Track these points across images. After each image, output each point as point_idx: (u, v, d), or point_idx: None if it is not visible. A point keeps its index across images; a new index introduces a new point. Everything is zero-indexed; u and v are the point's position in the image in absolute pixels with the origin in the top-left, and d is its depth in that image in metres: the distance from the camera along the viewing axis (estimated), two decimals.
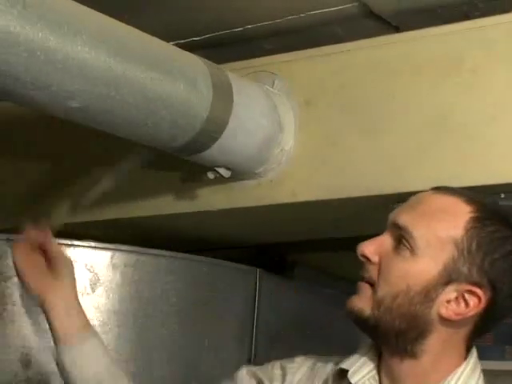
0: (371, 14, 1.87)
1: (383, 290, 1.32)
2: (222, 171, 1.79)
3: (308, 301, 2.39)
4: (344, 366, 1.39)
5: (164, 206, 1.97)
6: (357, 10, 1.85)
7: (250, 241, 2.24)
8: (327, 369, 1.44)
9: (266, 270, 2.30)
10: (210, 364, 2.14)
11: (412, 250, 1.30)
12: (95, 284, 1.97)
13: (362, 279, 1.35)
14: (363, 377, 1.37)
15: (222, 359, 2.17)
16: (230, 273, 2.18)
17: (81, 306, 1.60)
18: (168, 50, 1.64)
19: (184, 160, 1.79)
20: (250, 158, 1.80)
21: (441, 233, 1.30)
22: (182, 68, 1.63)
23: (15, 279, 1.92)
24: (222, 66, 1.77)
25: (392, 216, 1.36)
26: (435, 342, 1.32)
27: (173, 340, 2.07)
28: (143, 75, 1.52)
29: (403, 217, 1.34)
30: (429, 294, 1.30)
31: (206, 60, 1.71)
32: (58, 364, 1.57)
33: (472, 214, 1.30)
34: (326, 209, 1.85)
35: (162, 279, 2.06)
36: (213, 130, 1.67)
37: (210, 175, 1.82)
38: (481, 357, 2.14)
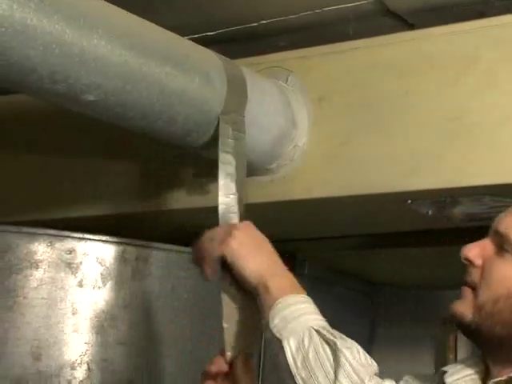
0: (387, 12, 1.87)
1: (484, 295, 1.28)
2: None
3: (318, 298, 2.38)
4: (445, 368, 1.36)
5: (176, 200, 1.97)
6: (373, 7, 1.86)
7: None
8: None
9: None
10: None
11: None
12: (106, 278, 1.98)
13: (465, 283, 1.32)
14: (459, 378, 1.33)
15: None
16: None
17: None
18: (183, 45, 1.64)
19: (198, 155, 1.79)
20: (263, 154, 1.80)
21: None
22: (197, 63, 1.63)
23: (27, 271, 1.94)
24: (236, 62, 1.77)
25: (495, 222, 1.33)
26: None
27: (183, 336, 2.08)
28: (158, 70, 1.52)
29: (504, 222, 1.31)
30: None
31: (221, 55, 1.71)
32: None
33: None
34: (338, 206, 1.85)
35: (173, 274, 2.06)
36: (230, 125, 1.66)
37: None
38: None
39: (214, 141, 1.68)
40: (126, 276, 2.01)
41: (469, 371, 1.34)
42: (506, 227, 1.29)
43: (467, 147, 1.68)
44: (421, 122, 1.73)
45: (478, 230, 2.10)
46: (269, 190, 1.87)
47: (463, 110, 1.70)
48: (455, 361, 2.70)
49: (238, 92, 1.68)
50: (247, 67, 1.80)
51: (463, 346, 2.75)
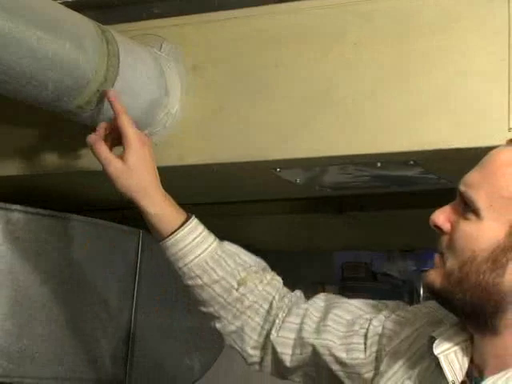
0: None
1: (451, 261, 1.23)
2: None
3: None
4: (434, 333, 1.31)
5: (47, 164, 1.95)
6: None
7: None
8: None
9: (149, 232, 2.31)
10: (90, 324, 2.16)
11: (476, 213, 1.20)
12: None
13: (437, 251, 1.27)
14: (449, 348, 1.28)
15: (103, 319, 2.19)
16: (112, 233, 2.19)
17: None
18: (55, 9, 1.63)
19: (68, 120, 1.79)
20: (135, 120, 1.79)
21: (503, 191, 1.20)
22: (69, 28, 1.62)
23: None
24: (109, 27, 1.76)
25: (461, 180, 1.26)
26: None
27: (53, 299, 2.08)
28: (29, 34, 1.51)
29: (467, 179, 1.24)
30: (497, 259, 1.19)
31: (94, 21, 1.70)
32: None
33: None
34: (209, 173, 1.88)
35: (43, 238, 2.06)
36: (98, 90, 1.66)
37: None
38: None
39: (86, 105, 1.68)
40: None
41: (458, 338, 1.29)
42: (465, 185, 1.24)
43: (334, 119, 1.73)
44: (290, 94, 1.77)
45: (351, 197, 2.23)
46: None
47: (331, 82, 1.74)
48: None
49: (110, 58, 1.68)
50: (121, 33, 1.80)
51: None
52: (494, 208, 1.20)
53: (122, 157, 1.61)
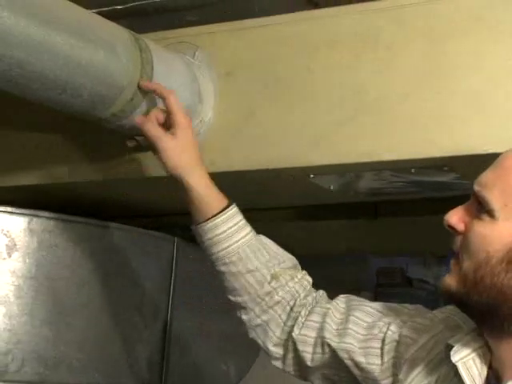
0: None
1: (466, 263, 1.21)
2: (141, 140, 1.80)
3: None
4: (451, 341, 1.29)
5: (82, 173, 1.96)
6: None
7: (168, 210, 2.26)
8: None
9: (185, 239, 2.32)
10: (126, 330, 2.16)
11: (490, 214, 1.18)
12: (12, 249, 1.97)
13: (453, 255, 1.24)
14: (467, 355, 1.25)
15: (139, 325, 2.19)
16: (147, 240, 2.20)
17: None
18: (89, 18, 1.63)
19: (103, 128, 1.79)
20: None
21: None
22: (103, 36, 1.62)
23: None
24: (143, 36, 1.77)
25: (475, 181, 1.24)
26: None
27: (89, 306, 2.08)
28: (63, 42, 1.51)
29: (481, 179, 1.23)
30: None
31: (127, 29, 1.71)
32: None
33: None
34: (241, 179, 1.87)
35: (79, 245, 2.07)
36: (132, 98, 1.67)
37: (130, 143, 1.83)
38: None
39: (120, 113, 1.68)
40: (32, 247, 2.00)
41: (475, 345, 1.27)
42: (479, 185, 1.22)
43: (367, 124, 1.72)
44: (322, 100, 1.76)
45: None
46: None
47: (364, 87, 1.73)
48: None
49: (143, 66, 1.68)
50: (155, 41, 1.80)
51: None
52: (509, 208, 1.18)
53: (171, 134, 1.63)
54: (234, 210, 1.62)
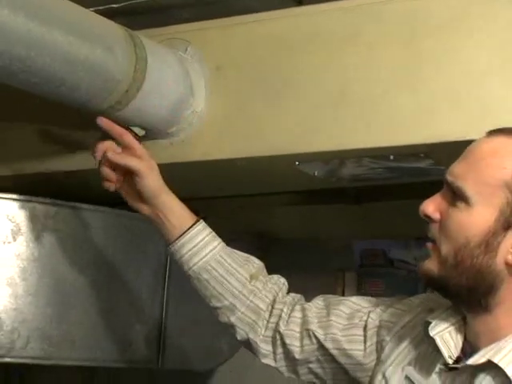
0: None
1: (445, 248, 1.23)
2: (137, 130, 1.79)
3: None
4: (429, 318, 1.33)
5: (81, 161, 1.95)
6: None
7: None
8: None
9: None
10: (125, 312, 2.17)
11: (465, 201, 1.21)
12: (16, 234, 1.97)
13: (429, 240, 1.27)
14: (443, 329, 1.29)
15: (137, 306, 2.20)
16: (144, 226, 2.19)
17: None
18: (86, 16, 1.63)
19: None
20: (162, 119, 1.80)
21: (489, 178, 1.20)
22: (100, 33, 1.62)
23: None
24: (138, 32, 1.76)
25: (447, 171, 1.27)
26: (508, 293, 1.22)
27: (90, 288, 2.09)
28: (62, 38, 1.51)
29: (454, 169, 1.25)
30: (489, 243, 1.20)
31: (122, 26, 1.70)
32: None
33: None
34: (232, 167, 1.87)
35: (81, 231, 2.07)
36: (127, 90, 1.67)
37: None
38: None
39: (116, 105, 1.68)
40: (36, 232, 2.00)
41: (452, 320, 1.30)
42: (453, 176, 1.24)
43: (349, 116, 1.72)
44: (307, 93, 1.76)
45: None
46: (169, 152, 1.88)
47: (346, 81, 1.73)
48: None
49: (138, 61, 1.68)
50: (149, 38, 1.80)
51: (349, 296, 2.83)
52: (483, 194, 1.21)
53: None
54: (200, 225, 1.63)
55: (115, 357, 2.12)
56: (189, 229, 1.60)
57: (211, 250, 1.60)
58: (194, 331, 2.38)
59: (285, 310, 1.59)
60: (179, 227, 1.61)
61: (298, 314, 1.58)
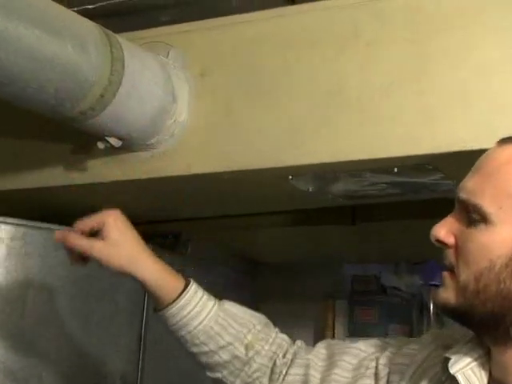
0: None
1: (464, 273, 1.08)
2: (113, 141, 1.60)
3: (200, 276, 2.25)
4: (448, 354, 1.16)
5: (53, 177, 1.77)
6: None
7: (143, 216, 2.06)
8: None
9: (160, 246, 2.13)
10: (100, 339, 1.97)
11: (485, 220, 1.06)
12: None
13: (444, 268, 1.11)
14: (465, 366, 1.13)
15: (112, 334, 2.00)
16: None
17: None
18: (56, 9, 1.43)
19: (74, 129, 1.60)
20: (141, 128, 1.62)
21: (510, 188, 1.05)
22: (71, 29, 1.43)
23: None
24: (117, 36, 1.58)
25: (457, 191, 1.11)
26: None
27: (61, 315, 1.88)
28: (28, 32, 1.32)
29: (466, 185, 1.09)
30: None
31: (97, 24, 1.52)
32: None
33: None
34: (218, 182, 1.69)
35: (50, 254, 1.86)
36: (102, 95, 1.47)
37: (100, 145, 1.63)
38: (365, 334, 2.01)
39: (89, 111, 1.49)
40: (1, 255, 1.80)
41: (474, 355, 1.15)
42: (466, 193, 1.09)
43: (347, 122, 1.54)
44: (301, 98, 1.59)
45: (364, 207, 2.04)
46: (149, 166, 1.70)
47: (343, 84, 1.56)
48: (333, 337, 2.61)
49: (114, 62, 1.49)
50: (128, 41, 1.62)
51: (340, 325, 2.66)
52: (504, 209, 1.05)
53: (101, 238, 1.38)
54: (192, 288, 1.40)
55: None
56: (180, 295, 1.39)
57: (202, 321, 1.39)
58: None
59: (284, 371, 1.41)
60: (168, 294, 1.39)
61: (298, 371, 1.40)
